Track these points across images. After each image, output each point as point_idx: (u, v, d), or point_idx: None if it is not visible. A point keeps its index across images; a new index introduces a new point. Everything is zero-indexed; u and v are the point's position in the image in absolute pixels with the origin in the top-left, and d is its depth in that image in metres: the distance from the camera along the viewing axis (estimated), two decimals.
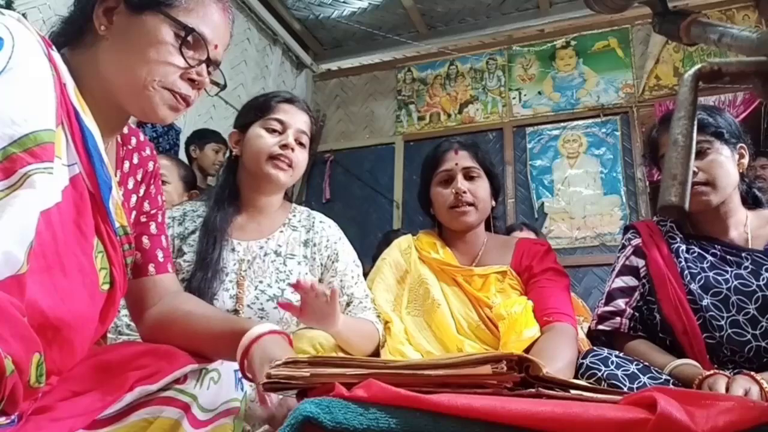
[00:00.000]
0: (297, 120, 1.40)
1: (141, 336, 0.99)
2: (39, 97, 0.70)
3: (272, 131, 1.37)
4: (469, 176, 1.51)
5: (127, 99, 0.85)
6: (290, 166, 1.37)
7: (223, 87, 0.96)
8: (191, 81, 0.87)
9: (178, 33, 0.84)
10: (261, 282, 1.32)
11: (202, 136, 3.26)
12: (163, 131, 3.23)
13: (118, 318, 1.25)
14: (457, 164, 1.51)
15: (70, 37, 0.86)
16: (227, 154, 3.45)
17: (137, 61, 0.83)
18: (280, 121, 1.38)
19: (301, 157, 1.40)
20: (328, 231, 1.46)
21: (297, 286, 1.12)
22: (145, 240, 0.97)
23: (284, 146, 1.36)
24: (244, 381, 0.95)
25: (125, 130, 0.97)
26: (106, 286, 0.83)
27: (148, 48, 0.83)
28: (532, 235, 2.59)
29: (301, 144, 1.40)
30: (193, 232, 1.36)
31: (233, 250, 1.35)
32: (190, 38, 0.85)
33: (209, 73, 0.91)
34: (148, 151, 1.01)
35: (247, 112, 1.45)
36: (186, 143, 3.28)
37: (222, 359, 0.91)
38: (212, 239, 1.31)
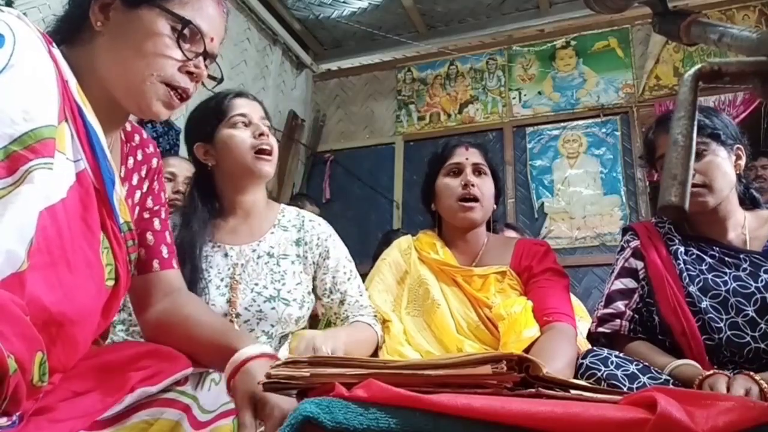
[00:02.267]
0: (255, 110, 1.41)
1: (144, 334, 0.98)
2: (40, 94, 0.70)
3: (240, 127, 1.37)
4: (477, 172, 1.52)
5: (123, 94, 0.85)
6: (270, 153, 1.37)
7: (220, 81, 0.97)
8: (189, 74, 0.87)
9: (175, 26, 0.85)
10: (257, 284, 1.32)
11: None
12: (163, 131, 3.23)
13: (113, 333, 1.24)
14: (467, 159, 1.52)
15: (66, 35, 0.86)
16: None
17: (135, 55, 0.83)
18: (243, 115, 1.38)
19: (274, 142, 1.40)
20: (318, 229, 1.45)
21: None
22: (149, 236, 0.97)
23: (260, 135, 1.36)
24: None
25: (128, 127, 0.97)
26: (111, 282, 0.83)
27: (145, 41, 0.83)
28: (515, 235, 2.56)
29: (268, 128, 1.41)
30: None
31: (226, 255, 1.35)
32: (186, 31, 0.85)
33: (206, 66, 0.91)
34: (151, 149, 1.01)
35: (203, 121, 1.40)
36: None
37: (214, 369, 0.91)
38: (181, 256, 1.25)
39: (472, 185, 1.48)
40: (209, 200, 1.39)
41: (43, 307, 0.68)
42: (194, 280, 1.26)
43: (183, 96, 0.88)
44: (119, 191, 0.85)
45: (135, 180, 0.96)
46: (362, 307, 1.41)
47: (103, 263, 0.80)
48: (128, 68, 0.83)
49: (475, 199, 1.48)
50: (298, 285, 1.36)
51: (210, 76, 0.94)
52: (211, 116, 1.39)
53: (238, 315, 1.28)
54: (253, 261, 1.35)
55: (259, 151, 1.35)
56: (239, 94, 1.42)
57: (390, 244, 1.69)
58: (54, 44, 0.77)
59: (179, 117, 3.51)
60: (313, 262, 1.42)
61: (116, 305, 0.87)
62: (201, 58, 0.89)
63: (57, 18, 0.89)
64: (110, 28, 0.84)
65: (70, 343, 0.75)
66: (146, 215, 0.98)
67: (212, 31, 0.89)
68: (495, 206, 1.58)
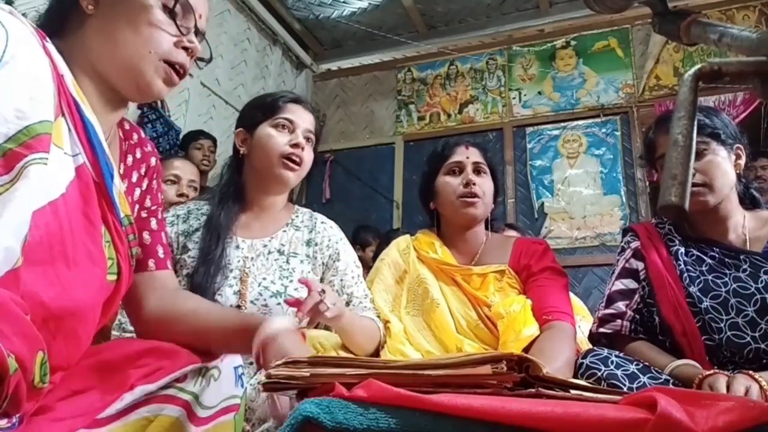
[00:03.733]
0: (304, 119, 1.42)
1: (137, 332, 0.98)
2: (35, 90, 0.70)
3: (282, 130, 1.39)
4: (477, 171, 1.53)
5: (120, 76, 0.86)
6: (299, 165, 1.39)
7: (209, 60, 0.98)
8: (185, 49, 0.88)
9: (166, 2, 0.86)
10: (264, 279, 1.33)
11: (183, 143, 3.27)
12: (163, 131, 3.22)
13: (122, 315, 1.25)
14: (468, 158, 1.53)
15: (55, 26, 0.86)
16: (215, 149, 3.42)
17: (130, 33, 0.83)
18: (289, 120, 1.40)
19: (308, 156, 1.42)
20: (330, 231, 1.48)
21: (304, 282, 1.16)
22: (146, 235, 0.97)
23: (295, 145, 1.37)
24: (244, 378, 0.95)
25: (126, 125, 0.97)
26: (113, 276, 0.83)
27: (138, 18, 0.84)
28: (516, 235, 2.57)
29: (308, 141, 1.43)
30: (197, 229, 1.36)
31: (237, 247, 1.36)
32: (177, 8, 0.86)
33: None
34: (149, 147, 1.02)
35: (253, 111, 1.45)
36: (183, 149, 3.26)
37: (233, 353, 0.92)
38: (215, 236, 1.32)
39: (474, 184, 1.48)
40: (236, 191, 1.42)
41: (40, 302, 0.68)
42: (215, 272, 1.28)
43: (180, 72, 0.89)
44: (119, 185, 0.86)
45: (134, 177, 0.97)
46: (366, 309, 1.42)
47: (106, 257, 0.81)
48: (124, 47, 0.84)
49: (477, 197, 1.49)
50: None
51: (200, 58, 0.95)
52: (262, 108, 1.43)
53: (239, 307, 1.28)
54: (263, 256, 1.37)
55: (288, 159, 1.37)
56: (297, 100, 1.45)
57: (389, 243, 1.69)
58: (48, 39, 0.77)
59: (179, 117, 3.51)
60: (323, 263, 1.43)
61: (117, 301, 0.87)
62: (193, 34, 0.90)
63: (44, 10, 0.89)
64: (101, 10, 0.84)
65: (71, 338, 0.75)
66: (144, 214, 0.98)
67: (199, 7, 0.91)
68: (493, 205, 1.58)
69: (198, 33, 0.91)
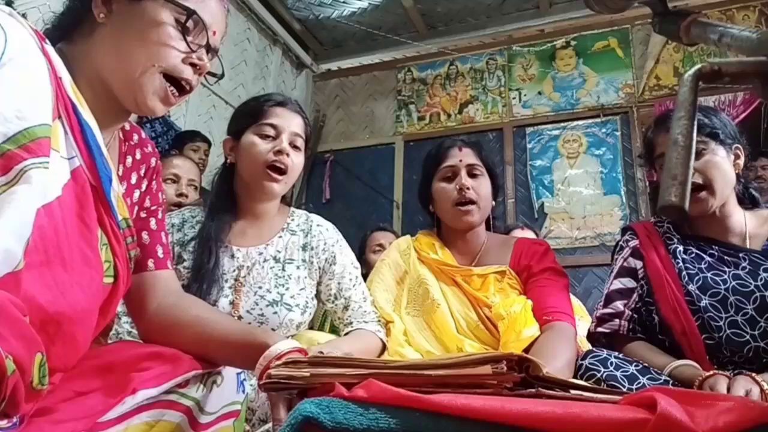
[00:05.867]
0: (290, 123, 1.37)
1: (141, 335, 0.97)
2: (33, 92, 0.70)
3: (265, 137, 1.35)
4: (472, 174, 1.50)
5: (120, 87, 0.85)
6: (284, 173, 1.35)
7: (221, 77, 0.97)
8: (192, 66, 0.87)
9: (179, 18, 0.85)
10: (260, 288, 1.32)
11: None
12: (162, 131, 3.21)
13: (119, 325, 1.24)
14: (461, 161, 1.50)
15: (66, 30, 0.86)
16: (209, 152, 3.36)
17: (138, 45, 0.83)
18: (273, 126, 1.35)
19: (296, 161, 1.37)
20: (326, 234, 1.45)
21: None
22: (144, 236, 0.96)
23: (278, 152, 1.33)
24: (245, 384, 0.95)
25: (127, 126, 0.97)
26: (110, 279, 0.82)
27: (149, 31, 0.83)
28: (531, 235, 2.62)
29: (295, 147, 1.38)
30: (192, 239, 1.34)
31: (232, 256, 1.34)
32: (190, 23, 0.86)
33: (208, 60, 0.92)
34: (149, 148, 1.01)
35: (239, 118, 1.42)
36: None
37: (234, 367, 0.91)
38: (207, 249, 1.29)
39: (468, 189, 1.46)
40: (227, 201, 1.40)
41: (38, 306, 0.68)
42: (208, 286, 1.26)
43: (186, 88, 0.88)
44: (117, 188, 0.85)
45: (134, 179, 0.96)
46: (366, 313, 1.40)
47: (102, 260, 0.80)
48: (130, 58, 0.83)
49: (472, 202, 1.47)
50: (302, 290, 1.36)
51: (210, 73, 0.94)
52: (247, 115, 1.40)
53: (240, 317, 1.28)
54: (259, 264, 1.35)
55: (272, 168, 1.33)
56: (283, 103, 1.40)
57: (367, 242, 1.69)
58: (47, 41, 0.77)
59: (179, 117, 3.51)
60: (319, 267, 1.41)
61: (115, 303, 0.86)
62: (204, 51, 0.89)
63: (57, 14, 0.89)
64: (113, 20, 0.84)
65: (70, 341, 0.74)
66: (143, 215, 0.98)
67: (214, 24, 0.90)
68: (493, 204, 1.57)
69: (210, 50, 0.91)
